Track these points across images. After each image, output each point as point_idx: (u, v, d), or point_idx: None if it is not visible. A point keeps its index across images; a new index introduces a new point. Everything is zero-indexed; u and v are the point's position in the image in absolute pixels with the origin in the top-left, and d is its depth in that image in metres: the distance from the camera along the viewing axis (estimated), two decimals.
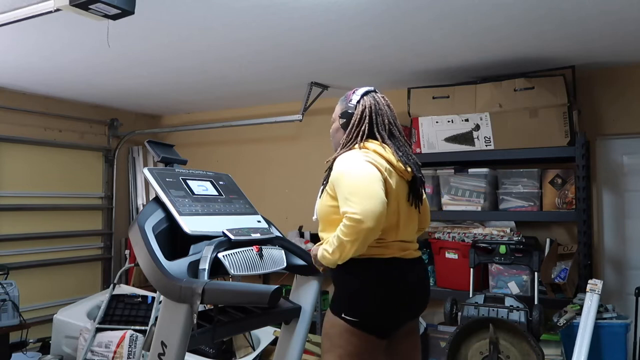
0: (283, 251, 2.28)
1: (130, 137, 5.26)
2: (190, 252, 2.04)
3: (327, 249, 1.92)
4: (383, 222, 1.84)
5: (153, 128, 5.44)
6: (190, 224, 2.10)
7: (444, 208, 3.69)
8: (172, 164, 2.47)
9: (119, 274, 3.86)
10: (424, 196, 2.17)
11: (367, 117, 2.04)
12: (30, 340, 4.15)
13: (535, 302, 3.08)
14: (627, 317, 3.09)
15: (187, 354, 1.95)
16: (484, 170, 3.56)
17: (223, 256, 2.00)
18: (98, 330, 3.61)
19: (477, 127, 3.51)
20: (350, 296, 1.95)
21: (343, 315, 1.93)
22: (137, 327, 3.59)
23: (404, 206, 2.01)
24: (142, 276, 4.44)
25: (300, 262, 2.41)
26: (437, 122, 3.63)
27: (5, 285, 3.71)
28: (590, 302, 2.91)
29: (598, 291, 2.93)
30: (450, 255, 3.62)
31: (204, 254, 1.98)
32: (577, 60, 3.39)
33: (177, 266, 1.93)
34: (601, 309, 2.99)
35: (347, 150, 2.01)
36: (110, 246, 5.14)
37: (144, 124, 5.47)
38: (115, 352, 3.49)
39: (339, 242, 1.85)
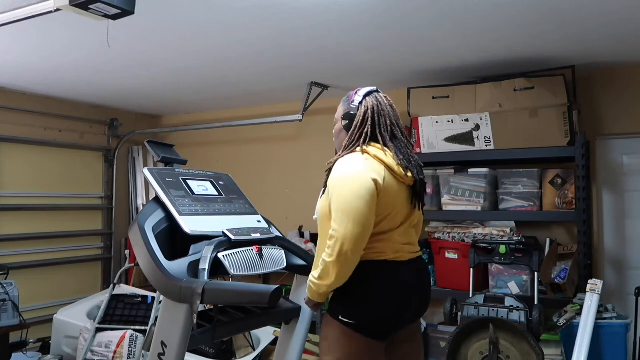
0: (283, 251, 2.29)
1: (130, 137, 5.27)
2: (190, 252, 2.04)
3: (314, 275, 1.93)
4: (363, 245, 1.85)
5: (153, 128, 5.44)
6: (190, 224, 2.10)
7: (444, 208, 3.69)
8: (172, 164, 2.47)
9: (119, 274, 3.86)
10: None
11: (370, 119, 2.01)
12: (30, 340, 4.15)
13: (535, 302, 3.08)
14: (627, 317, 3.09)
15: (187, 354, 1.96)
16: (484, 170, 3.56)
17: (223, 256, 2.01)
18: (98, 330, 3.61)
19: (477, 127, 3.51)
20: (348, 299, 1.93)
21: (340, 318, 1.92)
22: (137, 327, 3.59)
23: (404, 209, 2.00)
24: (142, 276, 4.44)
25: (300, 262, 2.41)
26: (437, 122, 3.63)
27: (5, 285, 3.71)
28: (590, 302, 2.91)
29: (598, 291, 2.92)
30: (450, 255, 3.62)
31: (204, 254, 1.98)
32: (577, 60, 3.39)
33: (177, 266, 1.93)
34: (601, 309, 2.99)
35: (348, 153, 1.99)
36: (110, 246, 5.14)
37: (144, 124, 5.47)
38: (115, 352, 3.49)
39: (324, 265, 1.87)
